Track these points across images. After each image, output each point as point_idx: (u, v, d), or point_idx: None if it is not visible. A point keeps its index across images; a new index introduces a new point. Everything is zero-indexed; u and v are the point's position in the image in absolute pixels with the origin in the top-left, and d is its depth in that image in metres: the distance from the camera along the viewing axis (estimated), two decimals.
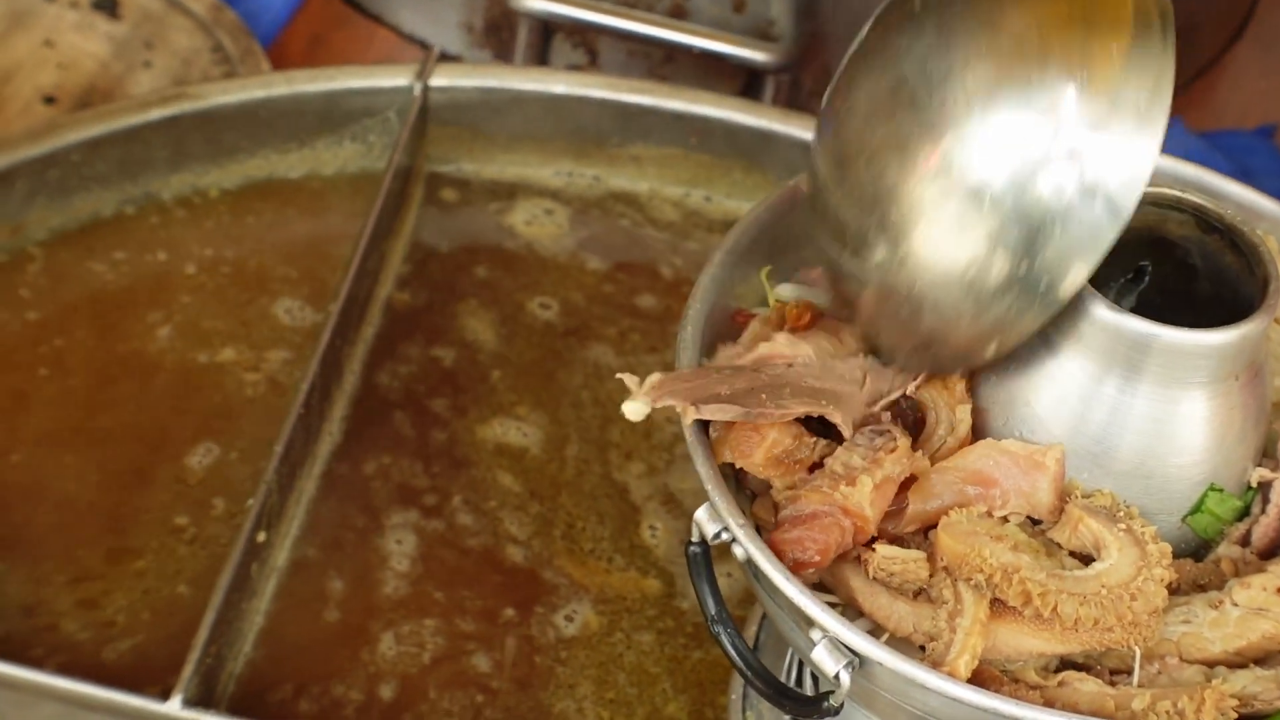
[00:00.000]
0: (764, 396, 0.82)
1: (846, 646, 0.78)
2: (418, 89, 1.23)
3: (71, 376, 1.16)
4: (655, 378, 0.84)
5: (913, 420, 0.85)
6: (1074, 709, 0.78)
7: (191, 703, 0.98)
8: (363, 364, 1.17)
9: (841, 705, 0.80)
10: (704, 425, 0.84)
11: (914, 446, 0.83)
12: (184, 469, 1.12)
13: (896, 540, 0.82)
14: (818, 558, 0.80)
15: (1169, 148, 0.82)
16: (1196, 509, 0.83)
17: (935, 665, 0.78)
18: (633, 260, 1.25)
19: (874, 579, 0.80)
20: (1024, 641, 0.79)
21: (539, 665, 1.06)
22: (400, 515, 1.11)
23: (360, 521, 1.11)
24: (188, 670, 0.99)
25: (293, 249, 1.23)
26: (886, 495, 0.81)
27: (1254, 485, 0.84)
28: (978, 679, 0.78)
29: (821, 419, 0.84)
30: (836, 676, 0.78)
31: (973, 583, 0.79)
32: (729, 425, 0.83)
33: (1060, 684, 0.79)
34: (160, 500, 1.11)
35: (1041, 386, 0.82)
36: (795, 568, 0.80)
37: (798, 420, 0.83)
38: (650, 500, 1.14)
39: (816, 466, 0.83)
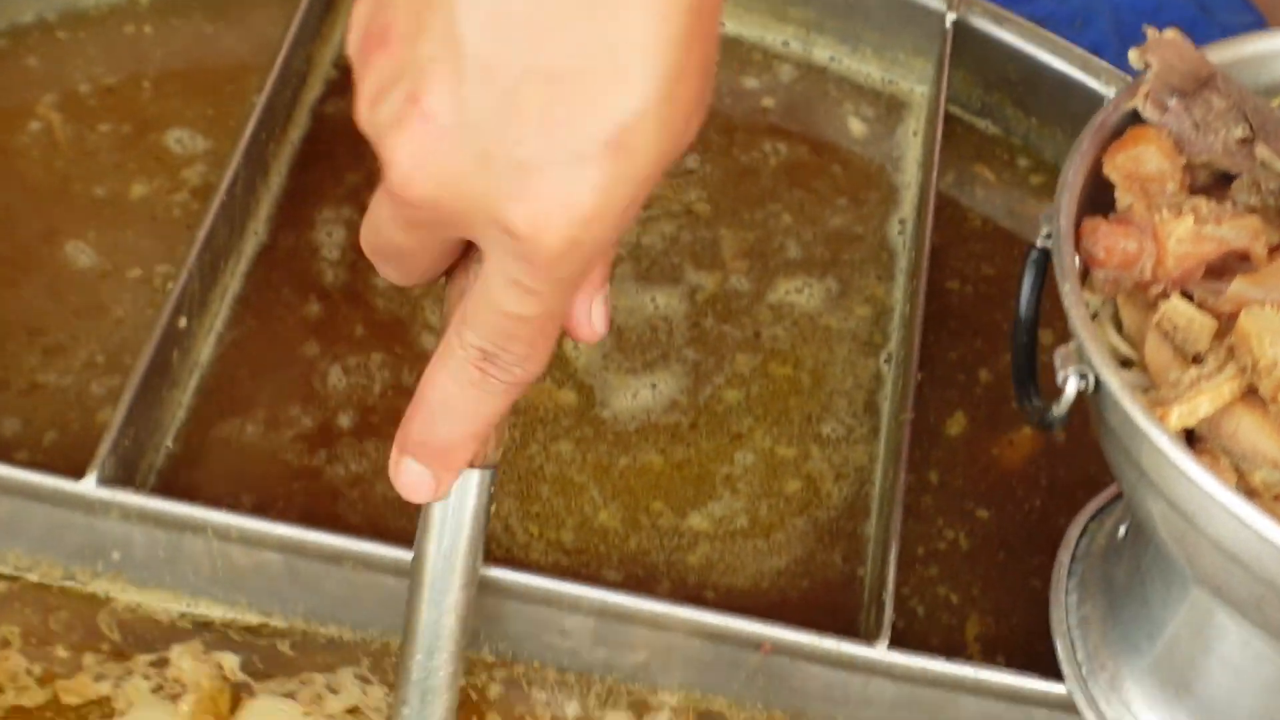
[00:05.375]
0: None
1: (1084, 356, 0.77)
2: None
3: None
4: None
5: None
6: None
7: (107, 482, 0.95)
8: (288, 167, 1.14)
9: (1063, 418, 0.79)
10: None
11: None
12: (71, 271, 1.09)
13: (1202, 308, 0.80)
14: (1102, 254, 0.80)
15: None
16: None
17: (1151, 405, 0.76)
18: None
19: (1157, 325, 0.79)
20: (1263, 441, 0.76)
21: None
22: (326, 324, 1.08)
23: (284, 326, 1.08)
24: (103, 449, 0.95)
25: (209, 64, 1.20)
26: (1202, 250, 0.80)
27: None
28: (1202, 452, 0.76)
29: None
30: (1065, 382, 0.77)
31: (1240, 364, 0.76)
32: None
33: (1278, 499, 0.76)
34: (76, 294, 1.08)
35: None
36: (1081, 254, 0.80)
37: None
38: None
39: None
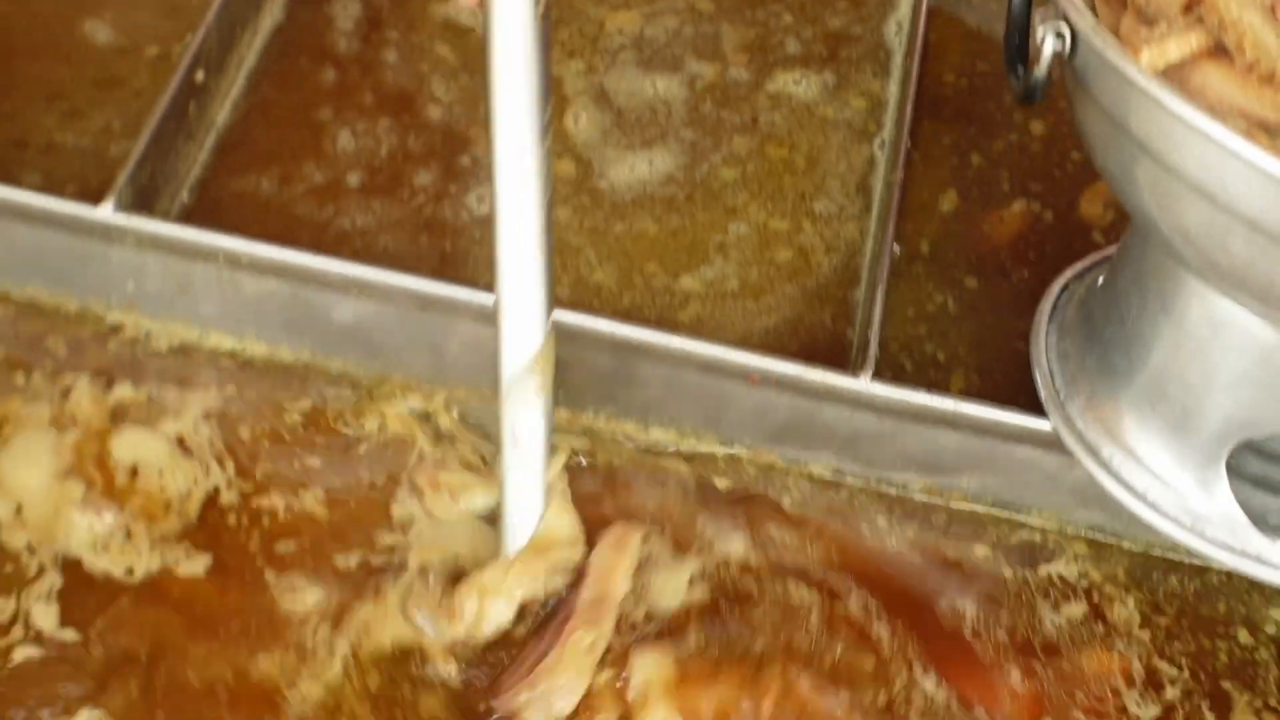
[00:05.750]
0: None
1: (1064, 19, 0.80)
2: None
3: None
4: None
5: None
6: None
7: (125, 209, 0.98)
8: None
9: (1044, 81, 0.82)
10: None
11: None
12: (89, 46, 1.12)
13: None
14: None
15: None
16: None
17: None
18: None
19: (1130, 1, 0.81)
20: (1230, 91, 0.78)
21: (457, 249, 1.06)
22: (338, 91, 1.12)
23: (298, 91, 1.11)
24: (121, 179, 0.99)
25: None
26: None
27: None
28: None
29: None
30: (1044, 42, 0.80)
31: (1208, 26, 0.79)
32: None
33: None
34: (94, 66, 1.12)
35: None
36: None
37: None
38: (582, 95, 1.14)
39: None
